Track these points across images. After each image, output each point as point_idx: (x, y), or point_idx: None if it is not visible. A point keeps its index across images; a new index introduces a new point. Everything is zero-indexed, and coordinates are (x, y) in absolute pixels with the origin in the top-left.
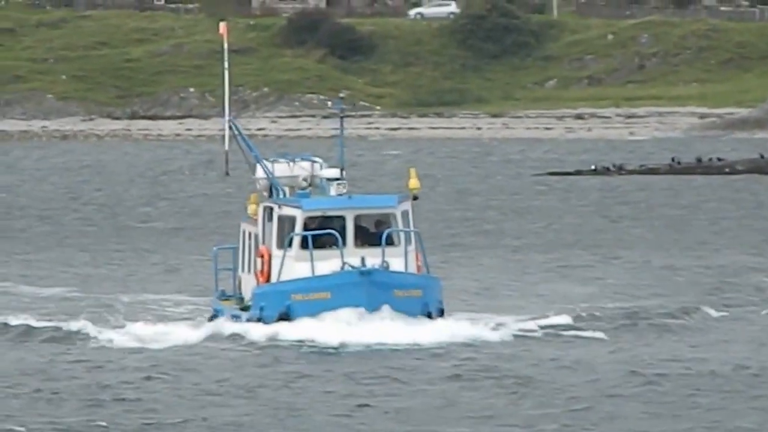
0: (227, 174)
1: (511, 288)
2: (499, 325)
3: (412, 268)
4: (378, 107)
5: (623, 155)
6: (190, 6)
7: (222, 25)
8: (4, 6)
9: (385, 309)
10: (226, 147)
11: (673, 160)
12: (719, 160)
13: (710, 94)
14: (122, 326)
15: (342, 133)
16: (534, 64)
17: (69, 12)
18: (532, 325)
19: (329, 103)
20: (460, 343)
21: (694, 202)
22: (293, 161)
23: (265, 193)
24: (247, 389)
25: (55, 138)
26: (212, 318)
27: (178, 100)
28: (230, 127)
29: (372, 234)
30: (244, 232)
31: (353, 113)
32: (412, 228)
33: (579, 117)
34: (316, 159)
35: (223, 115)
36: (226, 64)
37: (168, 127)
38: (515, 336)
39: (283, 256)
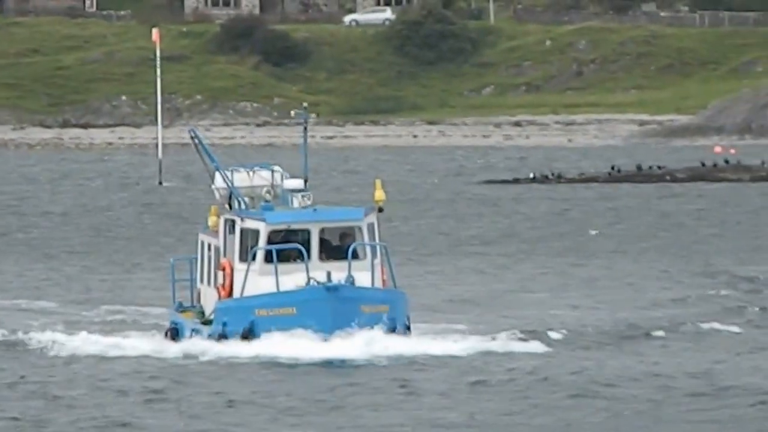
0: (160, 183)
1: (474, 300)
2: (462, 338)
3: (378, 283)
4: (313, 115)
5: (562, 164)
6: (122, 13)
7: (154, 32)
8: None
9: (351, 325)
10: (160, 156)
11: (612, 168)
12: (659, 168)
13: (650, 101)
14: (72, 338)
15: (306, 143)
16: (471, 70)
17: None
18: (497, 337)
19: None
20: (425, 357)
21: (634, 211)
22: (252, 170)
23: (226, 205)
24: (211, 406)
25: None
26: (169, 330)
27: (110, 108)
28: (191, 136)
29: (337, 247)
30: (203, 244)
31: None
32: (377, 241)
33: (517, 124)
34: (276, 168)
35: (155, 124)
36: (158, 72)
37: (100, 135)
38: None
39: (247, 270)
